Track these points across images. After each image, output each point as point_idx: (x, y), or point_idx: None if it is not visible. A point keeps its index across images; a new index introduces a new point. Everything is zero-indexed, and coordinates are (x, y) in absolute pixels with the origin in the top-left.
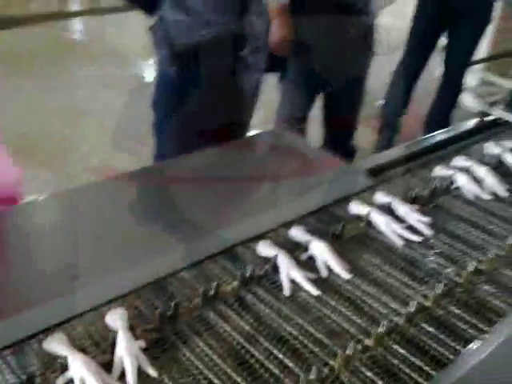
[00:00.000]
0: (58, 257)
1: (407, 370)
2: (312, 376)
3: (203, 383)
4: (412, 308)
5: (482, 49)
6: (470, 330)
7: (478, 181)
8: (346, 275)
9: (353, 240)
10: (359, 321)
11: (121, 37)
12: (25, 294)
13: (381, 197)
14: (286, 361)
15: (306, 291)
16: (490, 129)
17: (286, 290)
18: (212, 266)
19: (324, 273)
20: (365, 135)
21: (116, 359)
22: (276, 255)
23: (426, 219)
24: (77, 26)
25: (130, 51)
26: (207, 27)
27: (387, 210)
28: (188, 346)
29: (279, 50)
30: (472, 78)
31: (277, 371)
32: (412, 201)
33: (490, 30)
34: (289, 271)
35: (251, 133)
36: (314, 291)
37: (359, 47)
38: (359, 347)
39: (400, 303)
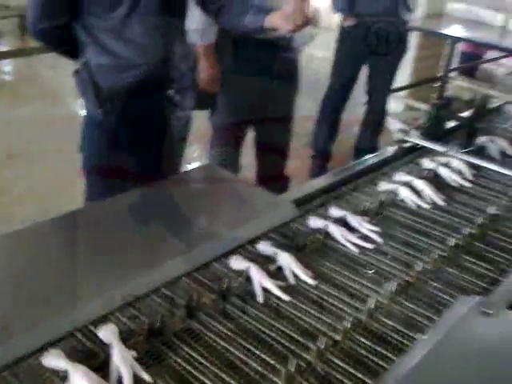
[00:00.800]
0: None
1: (374, 358)
2: (291, 369)
3: None
4: (372, 305)
5: (405, 76)
6: (423, 321)
7: (418, 192)
8: (311, 281)
9: (314, 250)
10: (327, 319)
11: (53, 76)
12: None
13: (335, 211)
14: (268, 359)
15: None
16: (407, 155)
17: (260, 297)
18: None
19: (292, 280)
20: (298, 164)
21: (112, 368)
22: (248, 267)
23: (376, 228)
24: (5, 67)
25: (62, 90)
26: (131, 70)
27: (342, 222)
28: (177, 354)
29: (207, 88)
30: (397, 104)
31: (260, 368)
32: (363, 213)
33: (411, 59)
34: (261, 281)
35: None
36: (285, 297)
37: (285, 81)
38: (330, 342)
39: (360, 302)
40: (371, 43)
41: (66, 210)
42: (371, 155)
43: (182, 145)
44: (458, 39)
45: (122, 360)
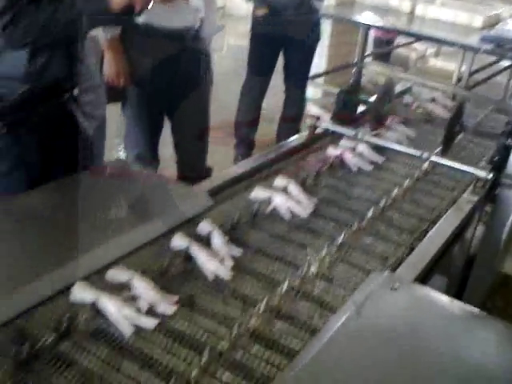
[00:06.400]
0: None
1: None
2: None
3: None
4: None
5: (322, 63)
6: None
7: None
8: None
9: None
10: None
11: None
12: None
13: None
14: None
15: None
16: (318, 140)
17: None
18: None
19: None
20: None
21: None
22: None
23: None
24: None
25: None
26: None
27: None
28: None
29: (116, 81)
30: (315, 90)
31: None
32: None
33: (326, 46)
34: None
35: None
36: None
37: (196, 71)
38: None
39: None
40: (284, 32)
41: None
42: (280, 144)
43: (100, 142)
44: (369, 26)
45: None
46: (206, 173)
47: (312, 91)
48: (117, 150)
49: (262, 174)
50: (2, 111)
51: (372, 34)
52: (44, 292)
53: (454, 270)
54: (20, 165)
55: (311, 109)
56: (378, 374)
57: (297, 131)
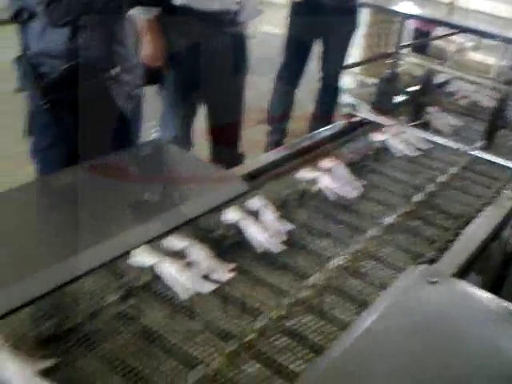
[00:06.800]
0: None
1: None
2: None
3: None
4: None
5: (357, 52)
6: None
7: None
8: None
9: None
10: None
11: None
12: None
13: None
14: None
15: None
16: (356, 129)
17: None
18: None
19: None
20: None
21: None
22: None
23: None
24: None
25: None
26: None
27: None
28: None
29: (152, 63)
30: (350, 80)
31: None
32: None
33: (362, 36)
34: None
35: None
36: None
37: (232, 56)
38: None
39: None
40: (322, 19)
41: None
42: (319, 131)
43: (137, 123)
44: (407, 16)
45: None
46: (238, 159)
47: (347, 81)
48: (151, 131)
49: (303, 159)
50: (44, 88)
51: (411, 25)
52: (106, 256)
53: (491, 268)
54: (60, 141)
55: (346, 99)
56: (414, 370)
57: (329, 122)
